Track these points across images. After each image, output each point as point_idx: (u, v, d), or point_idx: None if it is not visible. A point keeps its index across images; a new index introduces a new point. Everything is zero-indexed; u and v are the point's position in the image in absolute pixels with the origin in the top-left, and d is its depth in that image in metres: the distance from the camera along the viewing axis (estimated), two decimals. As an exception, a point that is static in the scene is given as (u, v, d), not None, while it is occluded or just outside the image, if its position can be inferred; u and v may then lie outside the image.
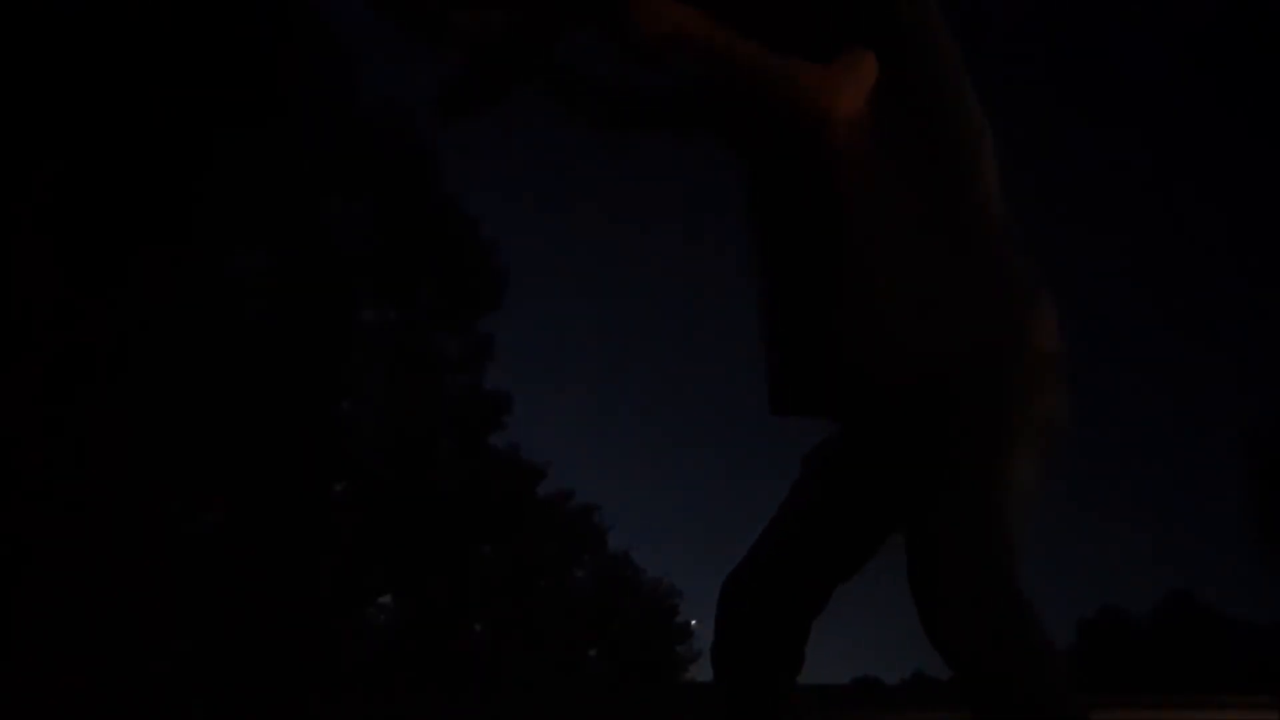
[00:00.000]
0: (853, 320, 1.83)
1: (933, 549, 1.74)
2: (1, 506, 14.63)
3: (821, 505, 1.99)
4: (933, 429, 1.81)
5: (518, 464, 30.51)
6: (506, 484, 29.00)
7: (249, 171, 18.79)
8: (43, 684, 14.41)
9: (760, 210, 1.99)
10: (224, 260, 20.18)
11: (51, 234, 15.38)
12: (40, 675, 14.52)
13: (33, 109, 15.25)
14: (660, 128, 2.16)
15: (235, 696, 18.43)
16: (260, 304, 21.36)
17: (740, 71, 1.82)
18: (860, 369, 1.84)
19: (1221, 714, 19.28)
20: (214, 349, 18.43)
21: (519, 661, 31.93)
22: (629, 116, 2.12)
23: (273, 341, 20.75)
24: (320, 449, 22.63)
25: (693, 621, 50.48)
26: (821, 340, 1.86)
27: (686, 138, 2.19)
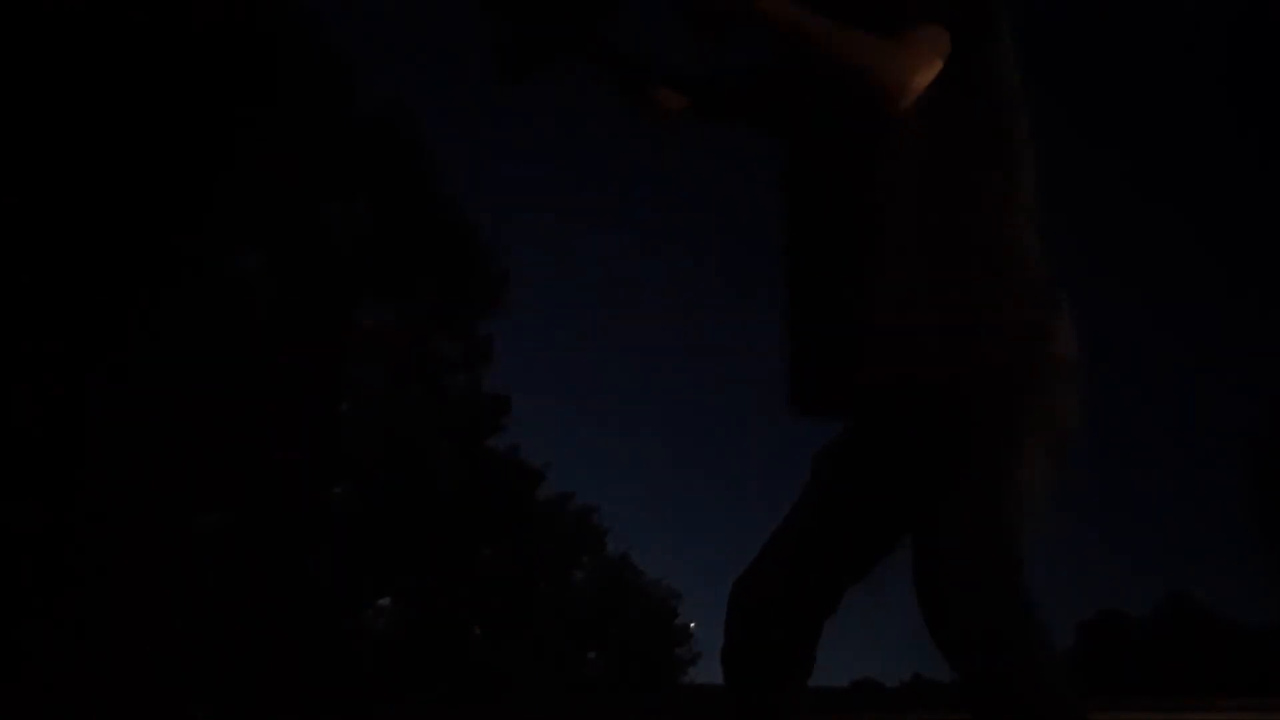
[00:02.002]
0: (880, 312, 1.81)
1: (939, 548, 1.73)
2: (3, 507, 14.62)
3: (834, 505, 1.98)
4: (947, 428, 1.80)
5: (517, 466, 30.50)
6: (506, 486, 28.99)
7: (248, 172, 18.79)
8: (44, 683, 14.41)
9: (797, 201, 1.97)
10: (224, 261, 20.17)
11: (52, 235, 15.37)
12: (41, 674, 14.52)
13: (32, 109, 15.24)
14: (705, 110, 2.13)
15: (234, 698, 18.40)
16: (260, 305, 21.35)
17: (811, 44, 1.78)
18: (883, 362, 1.82)
19: (1220, 716, 19.26)
20: (213, 349, 18.43)
21: (518, 663, 31.88)
22: (675, 96, 2.09)
23: (272, 342, 20.74)
24: (319, 450, 22.62)
25: (691, 624, 50.48)
26: (847, 332, 1.84)
27: (727, 123, 2.17)
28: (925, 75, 1.76)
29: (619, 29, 2.00)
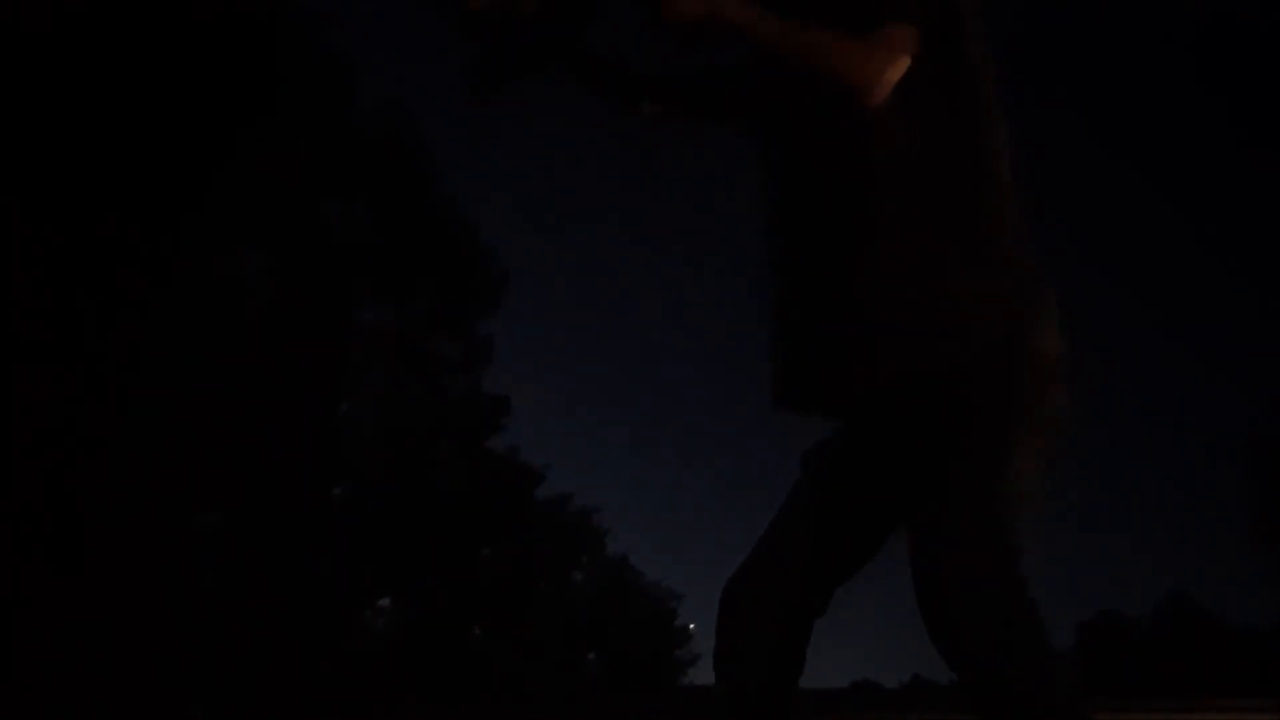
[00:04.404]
0: (869, 310, 1.82)
1: (938, 549, 1.73)
2: (2, 507, 14.62)
3: (823, 504, 1.98)
4: (939, 426, 1.80)
5: (517, 466, 30.51)
6: (505, 487, 28.99)
7: (248, 172, 18.79)
8: (43, 683, 14.41)
9: (779, 200, 1.98)
10: (223, 260, 20.18)
11: (51, 234, 15.38)
12: (41, 674, 14.52)
13: (31, 109, 15.25)
14: (683, 113, 2.15)
15: (234, 698, 18.41)
16: (260, 305, 21.36)
17: (779, 46, 1.81)
18: (872, 360, 1.83)
19: (1220, 716, 19.28)
20: (213, 349, 18.43)
21: (517, 665, 31.88)
22: (656, 99, 2.11)
23: (272, 342, 20.74)
24: (319, 451, 22.63)
25: (691, 625, 50.41)
26: (835, 330, 1.85)
27: (705, 124, 2.19)
28: (894, 72, 1.78)
29: (593, 36, 2.02)
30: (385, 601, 27.88)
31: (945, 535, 1.73)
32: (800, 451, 2.04)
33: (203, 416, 17.87)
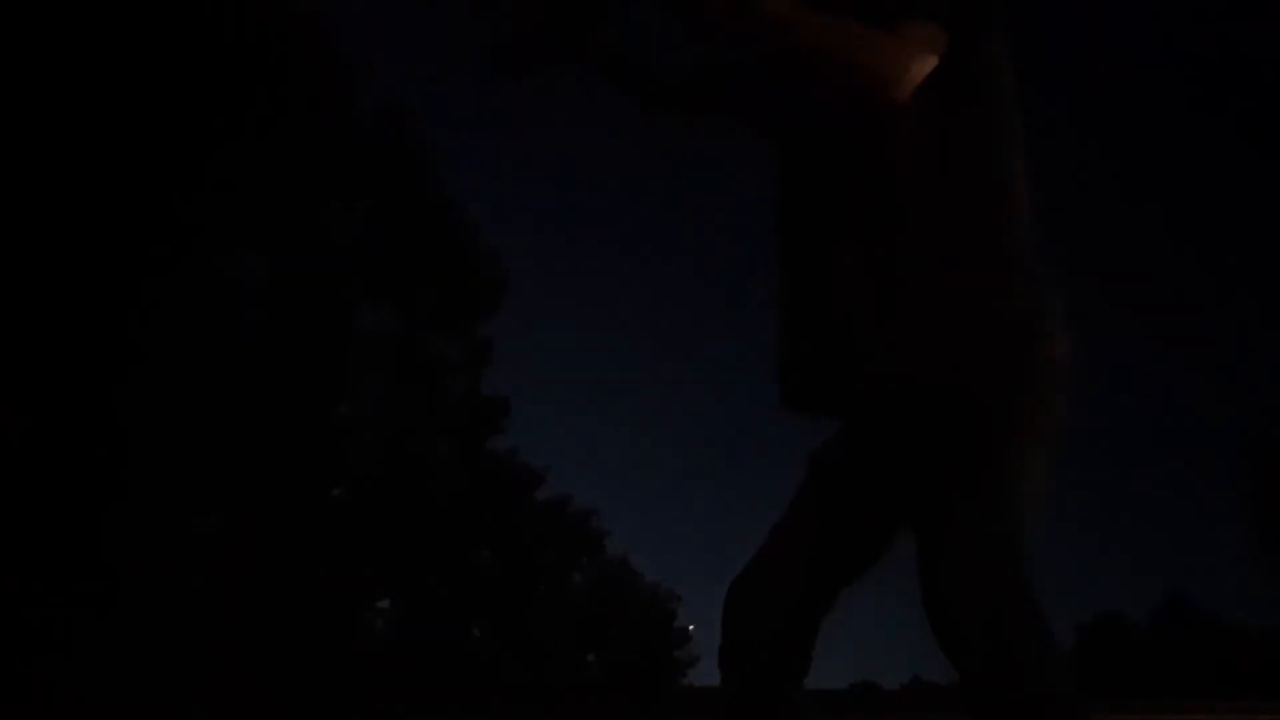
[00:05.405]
0: (880, 313, 1.82)
1: (943, 552, 1.73)
2: (3, 509, 14.63)
3: (829, 505, 1.98)
4: (945, 429, 1.80)
5: (516, 468, 30.51)
6: (505, 488, 29.00)
7: (248, 174, 18.80)
8: (44, 683, 14.41)
9: (792, 197, 1.97)
10: (223, 263, 20.18)
11: (52, 236, 15.38)
12: (42, 674, 14.52)
13: (32, 110, 15.25)
14: (698, 112, 2.15)
15: (234, 698, 18.40)
16: (259, 307, 21.35)
17: (805, 38, 1.78)
18: (881, 363, 1.83)
19: (1220, 717, 19.24)
20: (213, 352, 18.43)
21: (517, 666, 31.87)
22: (674, 95, 2.12)
23: (271, 345, 20.74)
24: (318, 453, 22.63)
25: (690, 626, 50.39)
26: (844, 330, 1.85)
27: (719, 124, 2.19)
28: (921, 68, 1.75)
29: (615, 29, 2.01)
30: (385, 602, 27.89)
31: (950, 539, 1.74)
32: (806, 452, 2.04)
33: (202, 417, 17.88)
